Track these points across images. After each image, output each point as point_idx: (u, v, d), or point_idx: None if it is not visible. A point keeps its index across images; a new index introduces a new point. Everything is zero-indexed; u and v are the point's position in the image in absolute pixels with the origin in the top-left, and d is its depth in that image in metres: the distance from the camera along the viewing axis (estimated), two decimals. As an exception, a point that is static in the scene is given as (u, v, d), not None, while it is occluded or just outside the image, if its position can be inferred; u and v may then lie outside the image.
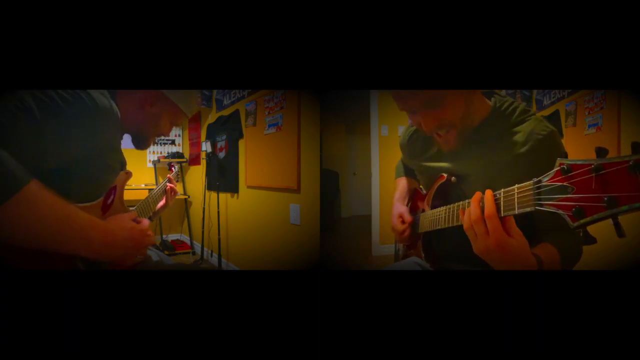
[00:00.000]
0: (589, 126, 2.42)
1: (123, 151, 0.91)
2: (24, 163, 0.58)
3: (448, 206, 0.82)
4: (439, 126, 0.82)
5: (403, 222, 1.07)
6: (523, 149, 0.79)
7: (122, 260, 0.77)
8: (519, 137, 0.80)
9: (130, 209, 1.03)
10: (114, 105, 0.76)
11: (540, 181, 0.52)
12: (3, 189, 0.54)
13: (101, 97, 0.73)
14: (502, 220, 0.60)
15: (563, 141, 2.73)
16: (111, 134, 0.80)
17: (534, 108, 3.11)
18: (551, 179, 0.50)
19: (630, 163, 0.41)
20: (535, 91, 3.15)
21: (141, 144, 0.97)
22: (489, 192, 0.62)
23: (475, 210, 0.63)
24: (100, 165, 0.80)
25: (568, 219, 0.47)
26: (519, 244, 0.61)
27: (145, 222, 0.84)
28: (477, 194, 0.65)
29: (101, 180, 0.83)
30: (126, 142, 0.97)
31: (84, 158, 0.74)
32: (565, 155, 0.52)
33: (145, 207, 1.15)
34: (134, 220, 0.83)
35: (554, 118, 2.79)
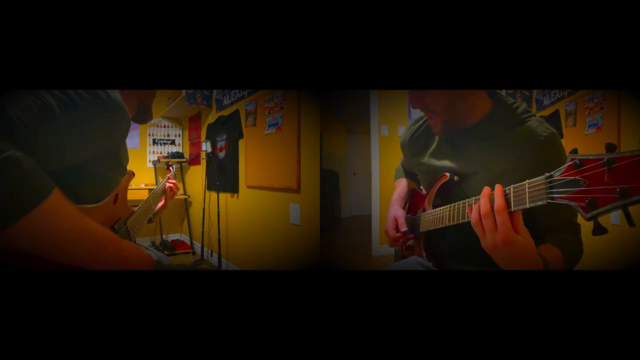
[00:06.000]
0: (589, 126, 2.42)
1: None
2: (44, 162, 0.58)
3: (453, 204, 0.82)
4: (423, 107, 0.89)
5: (397, 230, 1.05)
6: (525, 150, 0.79)
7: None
8: (520, 138, 0.81)
9: (133, 208, 1.03)
10: (124, 104, 0.76)
11: (552, 176, 0.54)
12: (29, 198, 0.53)
13: (116, 94, 0.72)
14: (511, 216, 0.61)
15: (563, 141, 2.73)
16: (124, 131, 0.79)
17: (534, 108, 3.11)
18: (563, 173, 0.52)
19: None
20: (535, 91, 3.14)
21: (144, 112, 0.95)
22: (499, 187, 0.63)
23: (485, 204, 0.64)
24: (113, 164, 0.79)
25: (581, 210, 0.49)
26: (525, 242, 0.62)
27: (150, 255, 0.83)
28: (486, 189, 0.66)
29: (112, 179, 0.82)
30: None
31: (100, 155, 0.74)
32: (564, 156, 0.53)
33: (147, 207, 1.15)
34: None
35: (554, 118, 2.79)
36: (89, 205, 0.76)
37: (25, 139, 0.55)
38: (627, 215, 0.47)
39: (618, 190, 0.45)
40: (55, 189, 0.57)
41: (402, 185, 1.23)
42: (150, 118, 0.98)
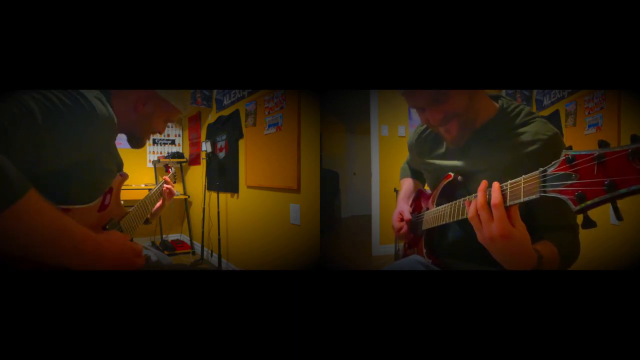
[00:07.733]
0: (589, 126, 2.42)
1: (122, 151, 0.92)
2: (22, 166, 0.57)
3: (454, 202, 0.83)
4: (444, 119, 0.85)
5: (402, 219, 1.10)
6: (529, 149, 0.80)
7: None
8: (525, 137, 0.82)
9: (129, 209, 1.04)
10: (110, 111, 0.76)
11: (545, 170, 0.56)
12: (2, 197, 0.53)
13: (99, 103, 0.73)
14: (507, 210, 0.63)
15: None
16: (108, 139, 0.81)
17: (534, 108, 3.11)
18: (556, 168, 0.54)
19: (629, 151, 0.44)
20: (535, 91, 3.14)
21: (136, 143, 0.97)
22: (496, 183, 0.65)
23: (482, 197, 0.66)
24: (98, 169, 0.80)
25: (571, 203, 0.50)
26: (521, 235, 0.64)
27: (139, 245, 0.83)
28: (484, 183, 0.67)
29: (99, 183, 0.83)
30: (125, 142, 0.97)
31: (82, 162, 0.75)
32: None
33: (143, 208, 1.15)
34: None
35: (554, 118, 2.79)
36: (76, 206, 0.77)
37: (3, 143, 0.55)
38: (615, 209, 0.48)
39: (606, 182, 0.46)
40: (32, 190, 0.57)
41: (407, 184, 1.27)
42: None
